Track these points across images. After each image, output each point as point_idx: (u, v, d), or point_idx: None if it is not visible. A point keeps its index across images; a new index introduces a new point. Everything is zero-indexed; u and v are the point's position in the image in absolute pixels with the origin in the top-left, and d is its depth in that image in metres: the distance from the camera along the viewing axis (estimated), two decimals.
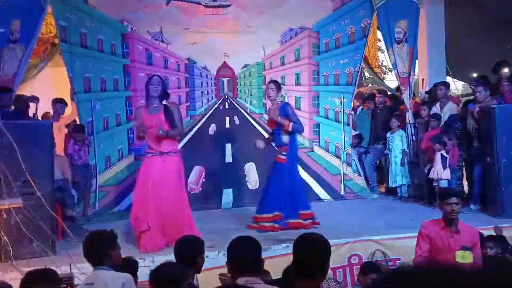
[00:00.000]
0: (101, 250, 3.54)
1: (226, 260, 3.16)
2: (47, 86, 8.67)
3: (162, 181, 5.82)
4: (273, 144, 6.80)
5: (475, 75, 9.16)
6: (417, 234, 5.87)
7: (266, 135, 7.54)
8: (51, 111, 7.83)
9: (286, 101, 8.76)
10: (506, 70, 7.41)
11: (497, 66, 7.67)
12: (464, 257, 4.29)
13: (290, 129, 6.43)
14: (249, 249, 3.11)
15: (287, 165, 6.49)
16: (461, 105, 8.03)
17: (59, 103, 7.69)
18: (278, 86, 6.71)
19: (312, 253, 2.87)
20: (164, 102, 5.97)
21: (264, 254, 5.27)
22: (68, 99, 8.12)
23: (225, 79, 8.83)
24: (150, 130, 5.87)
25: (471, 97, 8.07)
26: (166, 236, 5.76)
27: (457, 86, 9.23)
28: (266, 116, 7.00)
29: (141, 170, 6.05)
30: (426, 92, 8.75)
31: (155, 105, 5.91)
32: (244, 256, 3.05)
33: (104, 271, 3.48)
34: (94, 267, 3.57)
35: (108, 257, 3.54)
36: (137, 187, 5.99)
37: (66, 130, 7.85)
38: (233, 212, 7.98)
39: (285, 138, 6.51)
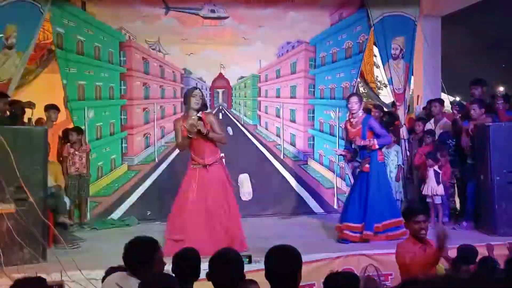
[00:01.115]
0: (137, 259, 3.32)
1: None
2: (43, 92, 8.64)
3: (205, 190, 5.94)
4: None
5: (458, 99, 9.21)
6: None
7: (338, 151, 7.19)
8: (45, 117, 7.80)
9: (281, 113, 8.81)
10: (501, 88, 7.46)
11: (471, 85, 7.73)
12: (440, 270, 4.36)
13: (377, 147, 6.48)
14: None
15: (371, 173, 6.49)
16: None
17: (52, 109, 7.65)
18: (360, 98, 6.68)
19: (282, 265, 2.90)
20: (199, 114, 5.98)
21: (256, 267, 5.28)
22: (62, 106, 8.10)
23: (220, 90, 8.84)
24: (191, 140, 5.97)
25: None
26: (213, 243, 5.59)
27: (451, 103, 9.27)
28: (345, 127, 6.90)
29: (183, 180, 6.14)
30: (423, 108, 8.77)
31: (193, 117, 5.98)
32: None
33: (136, 280, 3.22)
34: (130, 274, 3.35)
35: (143, 267, 3.30)
36: (177, 196, 6.09)
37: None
38: None
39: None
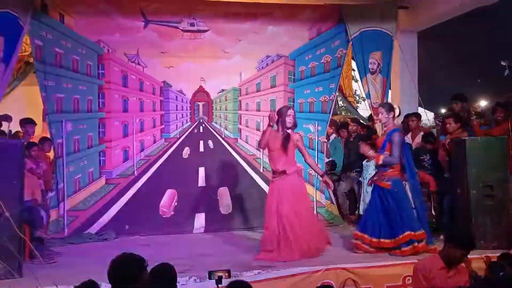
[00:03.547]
0: (124, 276, 3.26)
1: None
2: (20, 105, 8.55)
3: (282, 200, 6.28)
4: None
5: (443, 110, 9.36)
6: (389, 262, 5.95)
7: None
8: (21, 131, 7.69)
9: (261, 127, 8.83)
10: (479, 104, 7.60)
11: (451, 99, 7.88)
12: None
13: (380, 162, 6.45)
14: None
15: (391, 189, 6.42)
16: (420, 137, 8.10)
17: (28, 123, 7.55)
18: (388, 108, 6.58)
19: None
20: (289, 131, 6.45)
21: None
22: (39, 119, 8.01)
23: (200, 103, 8.84)
24: (273, 153, 6.46)
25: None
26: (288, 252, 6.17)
27: (428, 117, 9.40)
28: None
29: (268, 194, 6.64)
30: (401, 123, 8.86)
31: (282, 132, 6.46)
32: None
33: None
34: None
35: (129, 285, 3.25)
36: (265, 210, 6.55)
37: None
38: (205, 237, 7.92)
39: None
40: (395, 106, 6.70)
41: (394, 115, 6.62)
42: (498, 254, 5.98)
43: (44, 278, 5.17)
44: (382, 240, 6.40)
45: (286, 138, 6.40)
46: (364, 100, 11.84)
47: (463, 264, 4.56)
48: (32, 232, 6.17)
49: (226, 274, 5.13)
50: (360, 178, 8.54)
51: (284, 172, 6.35)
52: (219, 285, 3.97)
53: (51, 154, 7.94)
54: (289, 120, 6.42)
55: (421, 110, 9.31)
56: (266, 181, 8.77)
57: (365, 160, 8.43)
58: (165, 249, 6.89)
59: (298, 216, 6.29)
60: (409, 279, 5.88)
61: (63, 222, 7.79)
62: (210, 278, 3.99)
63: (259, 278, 5.52)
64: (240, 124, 8.94)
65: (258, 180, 8.78)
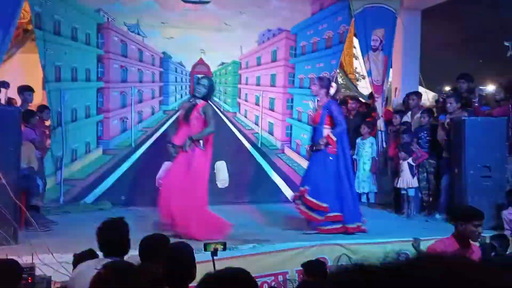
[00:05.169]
0: (117, 239, 3.36)
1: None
2: (17, 72, 8.46)
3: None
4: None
5: (447, 88, 9.31)
6: (385, 240, 5.98)
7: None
8: (18, 98, 7.62)
9: (261, 102, 8.78)
10: (482, 87, 7.55)
11: (458, 79, 7.83)
12: None
13: (332, 139, 6.26)
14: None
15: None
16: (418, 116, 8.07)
17: (26, 91, 7.46)
18: (321, 82, 6.46)
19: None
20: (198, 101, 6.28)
21: (230, 254, 5.28)
22: (38, 87, 7.94)
23: (200, 76, 8.76)
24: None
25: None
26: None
27: (429, 96, 9.35)
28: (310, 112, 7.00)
29: None
30: (402, 101, 8.81)
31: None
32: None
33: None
34: (105, 256, 3.37)
35: (123, 247, 3.36)
36: None
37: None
38: None
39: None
40: (334, 84, 6.56)
41: (328, 91, 6.38)
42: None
43: (40, 246, 5.19)
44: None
45: (190, 108, 6.28)
46: (364, 78, 11.76)
47: (476, 243, 4.46)
48: (28, 200, 6.16)
49: (222, 246, 5.16)
50: (354, 156, 8.52)
51: (179, 146, 6.31)
52: (214, 257, 3.97)
53: (48, 123, 7.89)
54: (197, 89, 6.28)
55: (422, 90, 9.24)
56: (264, 156, 8.79)
57: (360, 138, 8.42)
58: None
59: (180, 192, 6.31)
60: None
61: (60, 191, 7.79)
62: (205, 250, 3.99)
63: (254, 252, 5.54)
64: (239, 98, 8.89)
65: (256, 154, 8.76)
